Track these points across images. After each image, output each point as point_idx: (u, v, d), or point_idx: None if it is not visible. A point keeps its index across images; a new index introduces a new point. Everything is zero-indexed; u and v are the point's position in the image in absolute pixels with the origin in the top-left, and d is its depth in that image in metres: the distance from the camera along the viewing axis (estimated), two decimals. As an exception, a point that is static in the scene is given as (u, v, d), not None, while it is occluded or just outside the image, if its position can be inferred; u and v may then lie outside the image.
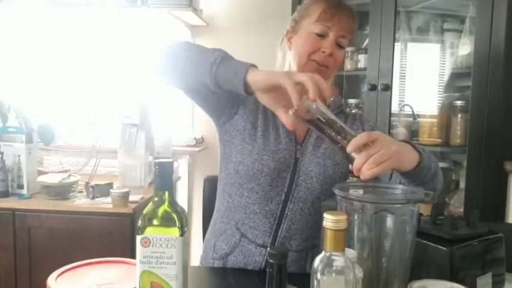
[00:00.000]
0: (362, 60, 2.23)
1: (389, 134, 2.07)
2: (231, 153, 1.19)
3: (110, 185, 1.97)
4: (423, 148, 1.01)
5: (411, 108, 2.14)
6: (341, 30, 1.14)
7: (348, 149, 0.84)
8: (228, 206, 1.21)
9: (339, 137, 0.86)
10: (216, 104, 1.18)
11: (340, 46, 1.16)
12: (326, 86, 0.87)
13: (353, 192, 0.86)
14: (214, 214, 1.29)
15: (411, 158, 0.93)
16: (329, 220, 0.65)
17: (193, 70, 1.00)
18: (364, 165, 0.83)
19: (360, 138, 0.84)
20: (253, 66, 0.93)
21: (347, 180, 1.24)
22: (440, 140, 2.08)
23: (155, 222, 0.73)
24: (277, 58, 1.29)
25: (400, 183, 0.99)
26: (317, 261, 0.66)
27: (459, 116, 2.00)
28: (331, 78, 1.30)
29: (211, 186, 1.48)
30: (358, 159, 0.84)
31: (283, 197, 1.15)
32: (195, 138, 2.57)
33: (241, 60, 0.96)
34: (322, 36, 1.14)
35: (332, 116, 0.88)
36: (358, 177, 0.86)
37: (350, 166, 0.86)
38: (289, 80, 0.85)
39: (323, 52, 1.14)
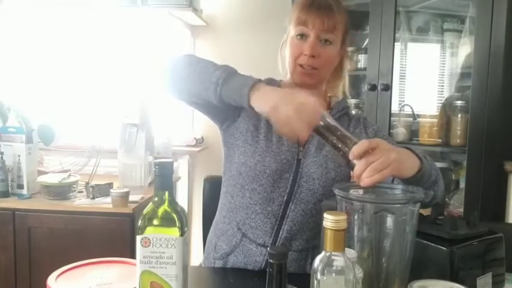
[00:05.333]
0: (362, 60, 2.23)
1: (389, 134, 2.07)
2: (234, 155, 1.19)
3: (110, 185, 1.97)
4: (426, 155, 1.01)
5: (411, 108, 2.14)
6: (319, 29, 1.12)
7: (350, 156, 0.85)
8: (230, 207, 1.21)
9: (340, 144, 0.88)
10: (219, 111, 1.18)
11: (326, 41, 1.14)
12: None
13: (353, 192, 0.86)
14: (217, 215, 1.29)
15: (411, 165, 0.94)
16: (329, 220, 0.65)
17: (197, 88, 1.03)
18: (364, 173, 0.84)
19: (361, 145, 0.85)
20: (256, 82, 0.96)
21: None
22: (440, 140, 2.08)
23: (155, 222, 0.73)
24: (279, 66, 1.28)
25: None
26: (317, 261, 0.66)
27: (459, 116, 2.00)
28: (341, 81, 1.29)
29: (211, 186, 1.48)
30: (358, 166, 0.85)
31: (285, 198, 1.15)
32: (195, 138, 2.57)
33: (242, 77, 0.98)
34: (303, 39, 1.14)
35: (334, 123, 0.89)
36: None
37: (351, 172, 0.88)
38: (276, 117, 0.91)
39: (305, 55, 1.13)
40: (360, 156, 0.85)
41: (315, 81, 1.18)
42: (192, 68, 1.05)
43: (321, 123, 0.89)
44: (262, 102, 0.94)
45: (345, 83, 1.30)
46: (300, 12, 1.14)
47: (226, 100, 0.99)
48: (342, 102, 1.27)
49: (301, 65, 1.15)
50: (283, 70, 1.24)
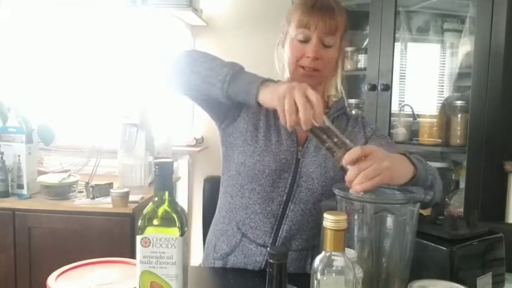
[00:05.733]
0: (362, 60, 2.23)
1: (389, 134, 2.07)
2: (233, 154, 1.19)
3: (110, 185, 1.97)
4: (422, 159, 1.01)
5: (411, 108, 2.14)
6: (322, 31, 1.12)
7: (342, 162, 0.86)
8: (230, 207, 1.21)
9: (335, 148, 0.89)
10: (220, 109, 1.18)
11: (329, 43, 1.14)
12: (319, 109, 0.89)
13: (353, 192, 0.86)
14: (216, 215, 1.29)
15: (405, 172, 0.94)
16: (329, 220, 0.65)
17: (203, 84, 1.03)
18: (355, 180, 0.84)
19: (354, 152, 0.86)
20: (263, 81, 0.96)
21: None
22: (440, 140, 2.08)
23: (155, 222, 0.73)
24: (276, 66, 1.28)
25: None
26: (317, 261, 0.66)
27: (459, 116, 2.00)
28: (338, 80, 1.29)
29: (211, 186, 1.48)
30: (350, 172, 0.86)
31: (284, 197, 1.15)
32: (194, 138, 2.57)
33: (250, 75, 0.99)
34: (305, 41, 1.14)
35: (331, 126, 0.90)
36: None
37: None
38: (280, 105, 0.90)
39: (308, 57, 1.13)
40: (352, 163, 0.86)
41: (316, 82, 1.18)
42: (197, 65, 1.05)
43: (318, 125, 0.90)
44: (267, 96, 0.94)
45: (337, 79, 1.29)
46: (302, 15, 1.13)
47: (233, 96, 0.99)
48: (340, 102, 1.27)
49: (302, 67, 1.15)
50: (281, 70, 1.25)
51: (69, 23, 2.48)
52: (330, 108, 1.24)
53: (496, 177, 1.89)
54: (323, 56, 1.14)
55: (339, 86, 1.29)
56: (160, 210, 0.73)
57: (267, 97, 0.95)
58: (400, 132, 2.16)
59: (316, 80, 1.17)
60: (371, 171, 0.84)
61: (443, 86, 2.25)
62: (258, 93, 0.95)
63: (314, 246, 1.17)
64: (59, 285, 0.81)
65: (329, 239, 0.65)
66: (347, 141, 0.89)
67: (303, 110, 0.88)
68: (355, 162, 0.85)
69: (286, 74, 1.22)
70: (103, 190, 1.93)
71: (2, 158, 1.92)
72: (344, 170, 0.89)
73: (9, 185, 1.95)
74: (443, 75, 2.25)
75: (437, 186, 1.05)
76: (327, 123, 0.90)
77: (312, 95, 0.89)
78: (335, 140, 0.90)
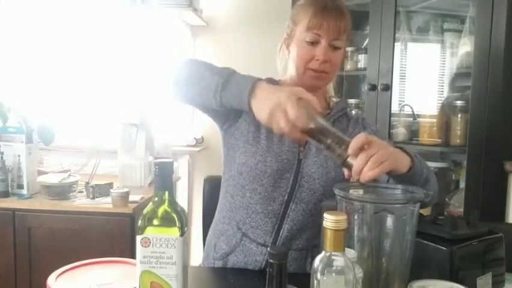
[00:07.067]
0: (362, 60, 2.24)
1: (389, 134, 2.07)
2: (234, 155, 1.19)
3: (110, 185, 1.96)
4: (416, 154, 1.03)
5: (411, 108, 2.14)
6: (332, 34, 1.12)
7: (349, 151, 0.87)
8: (230, 207, 1.21)
9: (335, 145, 0.89)
10: (221, 113, 1.18)
11: (336, 47, 1.14)
12: (313, 107, 0.91)
13: (353, 192, 0.86)
14: (216, 215, 1.29)
15: (405, 160, 0.97)
16: (329, 220, 0.65)
17: (198, 96, 1.05)
18: (365, 167, 0.85)
19: (359, 139, 0.87)
20: (254, 85, 0.95)
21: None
22: (440, 140, 2.08)
23: (155, 222, 0.73)
24: (277, 65, 1.27)
25: None
26: (317, 261, 0.66)
27: (459, 116, 2.00)
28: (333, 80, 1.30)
29: (211, 186, 1.48)
30: (358, 160, 0.86)
31: (286, 197, 1.15)
32: (195, 138, 2.57)
33: (240, 81, 0.98)
34: (314, 43, 1.14)
35: (327, 124, 0.90)
36: (357, 180, 0.88)
37: (346, 173, 0.89)
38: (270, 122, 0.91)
39: (317, 60, 1.13)
40: (358, 152, 0.87)
41: (324, 84, 1.19)
42: (193, 76, 1.06)
43: (314, 126, 0.89)
44: (259, 111, 0.94)
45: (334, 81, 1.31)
46: (313, 16, 1.12)
47: (227, 105, 1.00)
48: (341, 103, 1.27)
49: (311, 70, 1.14)
50: (284, 70, 1.24)
51: (69, 23, 2.47)
52: (332, 109, 1.24)
53: (496, 177, 1.89)
54: (332, 59, 1.14)
55: (332, 88, 1.31)
56: (160, 210, 0.73)
57: (256, 110, 0.94)
58: (400, 132, 2.16)
59: (324, 82, 1.18)
60: (379, 157, 0.86)
61: (443, 86, 2.25)
62: (250, 104, 0.95)
63: (314, 246, 1.17)
64: (59, 285, 0.81)
65: (329, 239, 0.65)
66: (345, 136, 0.90)
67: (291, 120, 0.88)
68: (359, 152, 0.87)
69: (289, 75, 1.22)
70: (103, 190, 1.93)
71: (2, 158, 1.92)
72: (345, 166, 0.89)
73: (9, 185, 1.95)
74: (443, 75, 2.25)
75: (432, 182, 1.06)
76: (323, 122, 0.90)
77: (305, 99, 0.91)
78: (334, 137, 0.90)
